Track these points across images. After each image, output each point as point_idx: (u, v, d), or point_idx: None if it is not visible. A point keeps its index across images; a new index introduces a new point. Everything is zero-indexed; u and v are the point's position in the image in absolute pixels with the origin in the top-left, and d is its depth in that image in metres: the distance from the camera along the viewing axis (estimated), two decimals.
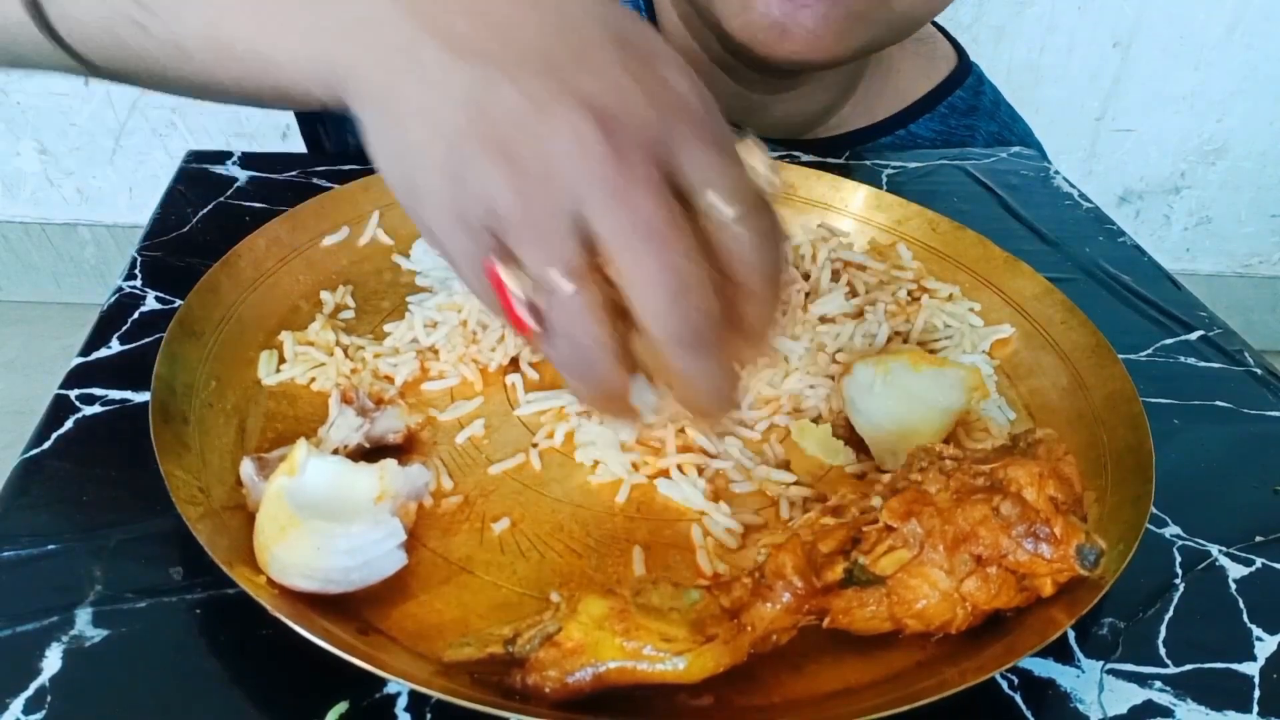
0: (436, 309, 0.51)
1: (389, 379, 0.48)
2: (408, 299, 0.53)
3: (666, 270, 0.30)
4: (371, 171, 0.59)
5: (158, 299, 0.52)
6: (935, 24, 0.85)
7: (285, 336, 0.48)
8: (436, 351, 0.49)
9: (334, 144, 0.80)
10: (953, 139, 0.80)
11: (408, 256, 0.57)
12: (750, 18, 0.60)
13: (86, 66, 0.41)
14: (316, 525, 0.35)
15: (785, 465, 0.45)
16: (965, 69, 0.81)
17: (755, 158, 0.33)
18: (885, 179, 0.71)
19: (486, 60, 0.30)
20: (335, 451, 0.42)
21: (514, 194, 0.30)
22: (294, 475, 0.36)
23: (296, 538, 0.34)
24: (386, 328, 0.51)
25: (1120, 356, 0.48)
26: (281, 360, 0.48)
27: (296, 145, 0.85)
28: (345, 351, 0.48)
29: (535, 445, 0.45)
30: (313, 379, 0.47)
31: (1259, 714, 0.35)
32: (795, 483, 0.44)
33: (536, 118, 0.29)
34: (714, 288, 0.31)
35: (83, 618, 0.35)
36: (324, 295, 0.53)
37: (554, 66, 0.30)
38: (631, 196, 0.29)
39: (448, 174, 0.31)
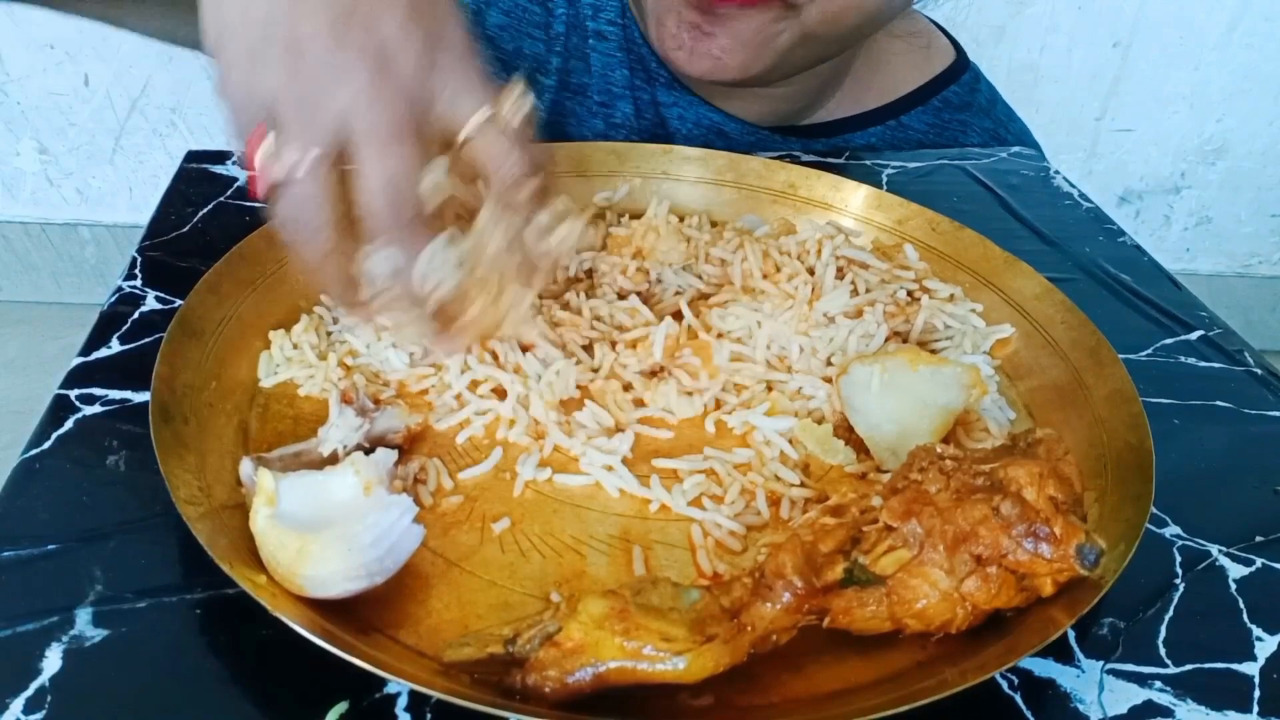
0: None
1: (386, 382, 0.48)
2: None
3: (387, 169, 0.38)
4: None
5: (158, 299, 0.52)
6: (933, 21, 0.85)
7: (274, 336, 0.48)
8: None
9: None
10: (946, 133, 0.80)
11: None
12: (662, 37, 0.63)
13: None
14: (331, 532, 0.35)
15: (803, 468, 0.45)
16: (962, 65, 0.81)
17: (507, 98, 0.40)
18: (885, 179, 0.71)
19: None
20: (334, 453, 0.42)
21: (293, 94, 0.37)
22: (274, 504, 0.36)
23: (319, 551, 0.34)
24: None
25: (1120, 356, 0.48)
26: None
27: None
28: (337, 357, 0.48)
29: (530, 452, 0.45)
30: (309, 378, 0.47)
31: (1259, 714, 0.35)
32: (799, 484, 0.44)
33: (328, 48, 0.37)
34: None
35: (83, 618, 0.35)
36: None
37: (354, 11, 0.37)
38: (379, 118, 0.37)
39: (248, 56, 0.38)
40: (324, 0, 0.37)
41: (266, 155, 0.38)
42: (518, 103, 0.40)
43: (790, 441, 0.45)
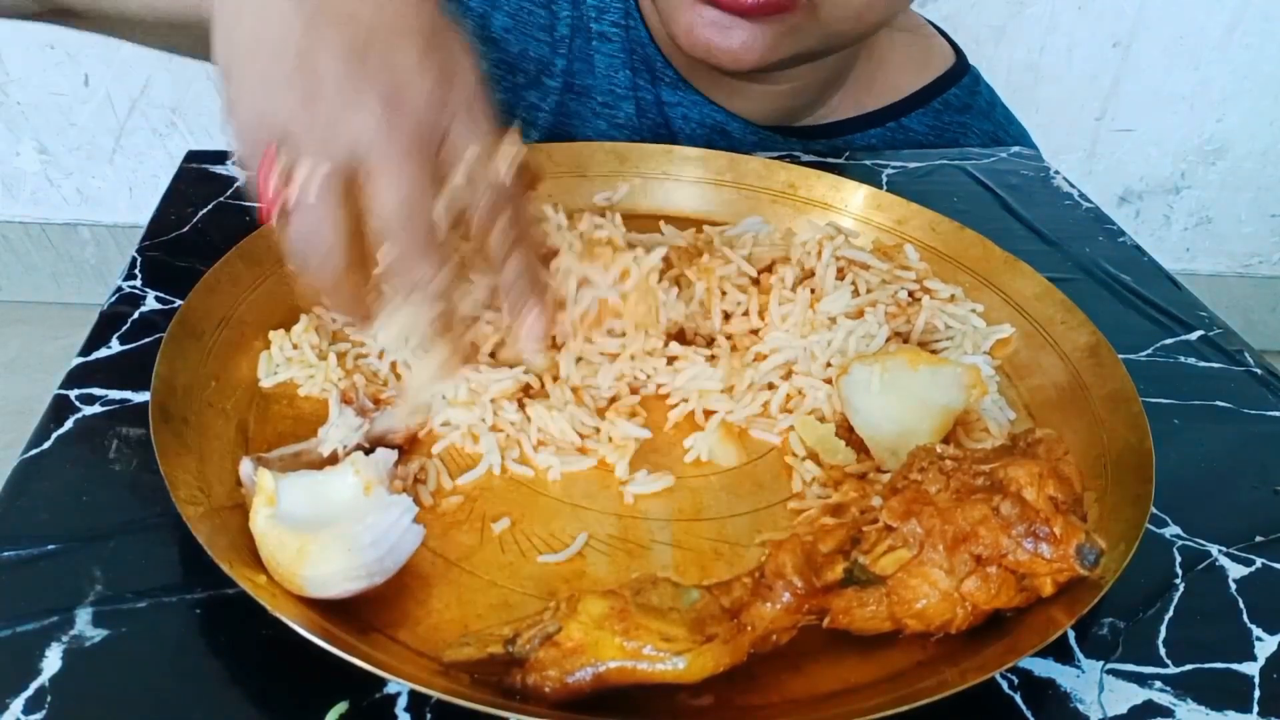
0: None
1: (384, 381, 0.48)
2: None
3: (402, 189, 0.38)
4: None
5: (158, 299, 0.52)
6: (932, 24, 0.85)
7: (274, 336, 0.48)
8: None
9: None
10: (945, 134, 0.80)
11: None
12: (685, 30, 0.63)
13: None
14: (331, 532, 0.35)
15: (814, 457, 0.45)
16: (962, 68, 0.82)
17: (509, 141, 0.41)
18: (885, 179, 0.71)
19: (321, 12, 0.38)
20: (334, 453, 0.42)
21: (306, 119, 0.38)
22: (274, 504, 0.36)
23: (319, 552, 0.34)
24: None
25: (1120, 356, 0.48)
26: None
27: None
28: (337, 357, 0.48)
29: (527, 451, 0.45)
30: (309, 378, 0.47)
31: (1259, 714, 0.35)
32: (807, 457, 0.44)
33: (344, 76, 0.38)
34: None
35: (83, 618, 0.35)
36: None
37: (371, 44, 0.38)
38: (392, 142, 0.38)
39: (261, 81, 0.39)
40: (341, 31, 0.38)
41: (278, 177, 0.38)
42: (509, 151, 0.40)
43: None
